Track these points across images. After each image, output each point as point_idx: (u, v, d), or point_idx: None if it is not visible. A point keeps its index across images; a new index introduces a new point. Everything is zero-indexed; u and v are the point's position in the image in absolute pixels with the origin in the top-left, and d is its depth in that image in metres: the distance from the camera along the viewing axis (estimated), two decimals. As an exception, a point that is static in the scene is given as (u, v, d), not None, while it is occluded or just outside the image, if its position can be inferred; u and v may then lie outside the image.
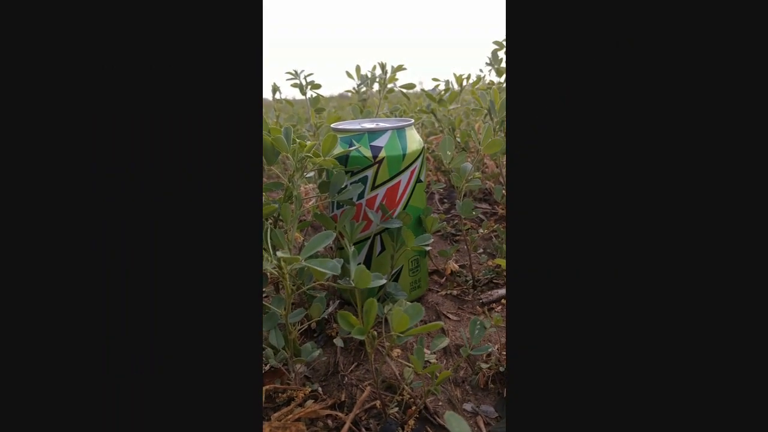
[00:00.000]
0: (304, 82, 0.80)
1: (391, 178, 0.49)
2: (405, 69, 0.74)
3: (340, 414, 0.38)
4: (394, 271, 0.51)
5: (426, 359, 0.44)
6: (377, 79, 0.79)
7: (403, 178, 0.49)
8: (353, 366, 0.46)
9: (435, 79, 1.00)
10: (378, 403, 0.39)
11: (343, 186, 0.46)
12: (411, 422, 0.38)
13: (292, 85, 0.82)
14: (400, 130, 0.49)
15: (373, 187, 0.48)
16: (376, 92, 0.87)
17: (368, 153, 0.48)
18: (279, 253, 0.32)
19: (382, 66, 0.77)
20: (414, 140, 0.51)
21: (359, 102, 0.89)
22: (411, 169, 0.50)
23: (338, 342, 0.45)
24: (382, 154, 0.48)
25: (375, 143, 0.48)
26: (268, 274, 0.37)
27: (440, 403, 0.40)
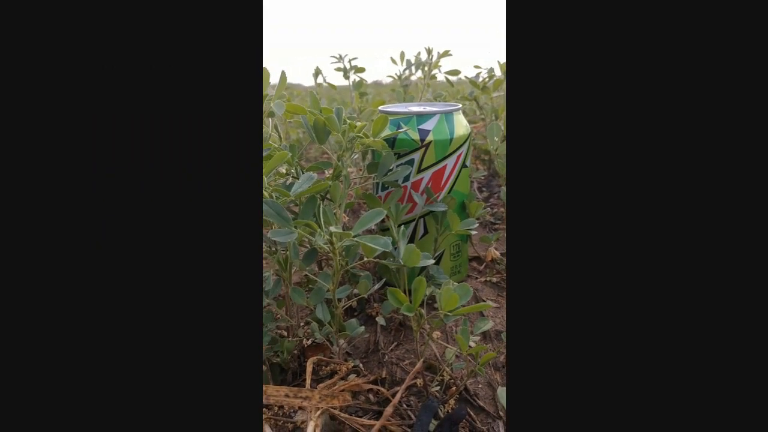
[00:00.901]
0: (347, 66, 0.80)
1: (438, 162, 0.49)
2: (451, 55, 0.74)
3: (382, 389, 0.39)
4: (435, 255, 0.51)
5: (466, 343, 0.44)
6: (422, 65, 0.79)
7: (450, 162, 0.49)
8: (393, 345, 0.46)
9: (476, 66, 0.99)
10: (419, 381, 0.40)
11: (390, 168, 0.46)
12: (451, 402, 0.38)
13: (335, 69, 0.83)
14: (448, 114, 0.49)
15: (419, 170, 0.49)
16: (419, 78, 0.87)
17: (416, 136, 0.48)
18: (332, 228, 0.33)
19: (429, 51, 0.76)
20: (461, 125, 0.50)
21: (401, 87, 0.89)
22: (457, 153, 0.50)
23: (380, 320, 0.46)
24: (430, 137, 0.48)
25: (423, 126, 0.48)
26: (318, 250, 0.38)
27: (480, 386, 0.41)
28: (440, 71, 0.78)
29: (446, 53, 0.75)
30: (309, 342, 0.45)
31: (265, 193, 0.38)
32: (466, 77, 0.85)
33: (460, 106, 0.52)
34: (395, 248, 0.38)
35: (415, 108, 0.52)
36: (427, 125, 0.48)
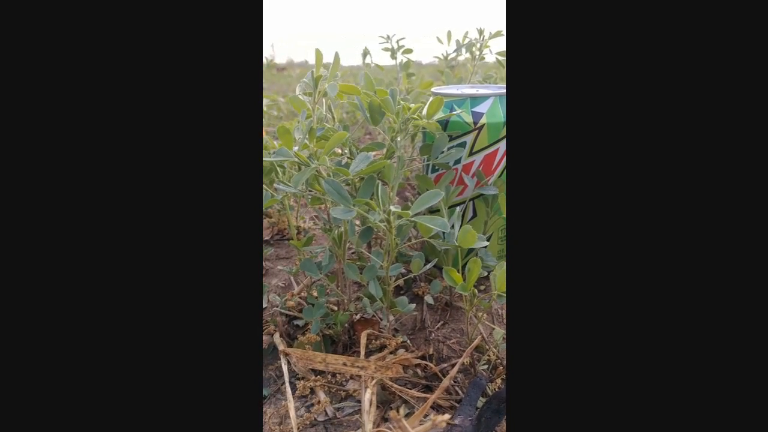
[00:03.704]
0: (395, 46, 0.80)
1: (490, 145, 0.49)
2: (502, 35, 0.72)
3: (430, 364, 0.40)
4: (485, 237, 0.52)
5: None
6: (472, 46, 0.78)
7: (502, 145, 0.49)
8: (439, 324, 0.48)
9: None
10: (467, 359, 0.41)
11: (443, 150, 0.47)
12: (498, 381, 0.39)
13: (383, 49, 0.83)
14: (502, 97, 0.49)
15: (471, 153, 0.49)
16: (467, 59, 0.85)
17: (469, 119, 0.48)
18: (392, 207, 0.34)
19: (480, 32, 0.75)
20: (515, 108, 0.50)
21: (448, 68, 0.88)
22: (510, 137, 0.49)
23: (428, 299, 0.47)
24: (483, 120, 0.48)
25: (476, 109, 0.48)
26: (374, 228, 0.40)
27: (527, 367, 0.42)
28: (491, 52, 0.77)
29: (498, 33, 0.73)
30: (358, 316, 0.47)
31: (323, 172, 0.40)
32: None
33: (515, 88, 0.51)
34: (450, 229, 0.39)
35: (468, 90, 0.52)
36: (481, 108, 0.48)
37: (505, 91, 0.50)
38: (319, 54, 0.43)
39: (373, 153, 0.51)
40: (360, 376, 0.34)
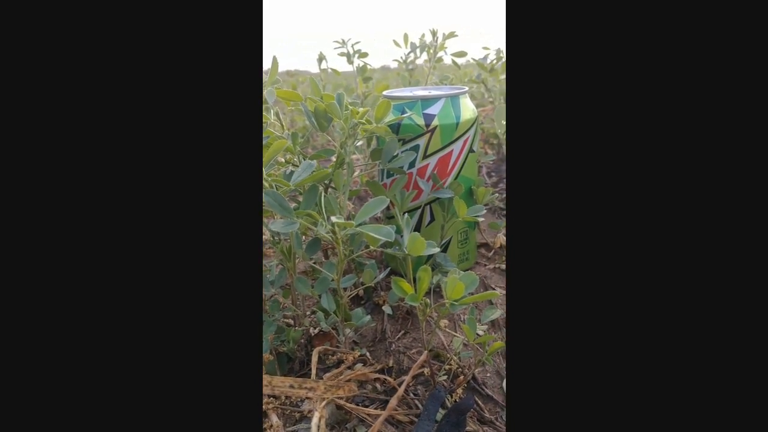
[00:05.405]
0: (351, 51, 0.79)
1: (444, 147, 0.47)
2: (456, 36, 0.72)
3: (388, 378, 0.39)
4: (443, 242, 0.51)
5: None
6: (427, 48, 0.77)
7: (456, 147, 0.48)
8: (400, 334, 0.46)
9: (485, 48, 0.96)
10: (426, 370, 0.39)
11: (395, 154, 0.45)
12: (459, 391, 0.38)
13: (339, 54, 0.81)
14: (454, 98, 0.48)
15: (425, 156, 0.48)
16: (424, 62, 0.85)
17: (421, 121, 0.47)
18: (333, 218, 0.32)
19: (434, 33, 0.74)
20: (468, 109, 0.49)
21: (406, 71, 0.87)
22: (464, 138, 0.48)
23: (387, 309, 0.45)
24: (435, 122, 0.47)
25: (428, 111, 0.47)
26: (321, 239, 0.38)
27: (488, 374, 0.40)
28: (446, 53, 0.76)
29: (452, 34, 0.73)
30: (316, 331, 0.45)
31: (265, 184, 0.38)
32: (473, 59, 0.82)
33: (466, 89, 0.50)
34: (400, 236, 0.38)
35: (419, 92, 0.51)
36: (433, 109, 0.47)
37: (457, 91, 0.49)
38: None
39: (333, 159, 0.50)
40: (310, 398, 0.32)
